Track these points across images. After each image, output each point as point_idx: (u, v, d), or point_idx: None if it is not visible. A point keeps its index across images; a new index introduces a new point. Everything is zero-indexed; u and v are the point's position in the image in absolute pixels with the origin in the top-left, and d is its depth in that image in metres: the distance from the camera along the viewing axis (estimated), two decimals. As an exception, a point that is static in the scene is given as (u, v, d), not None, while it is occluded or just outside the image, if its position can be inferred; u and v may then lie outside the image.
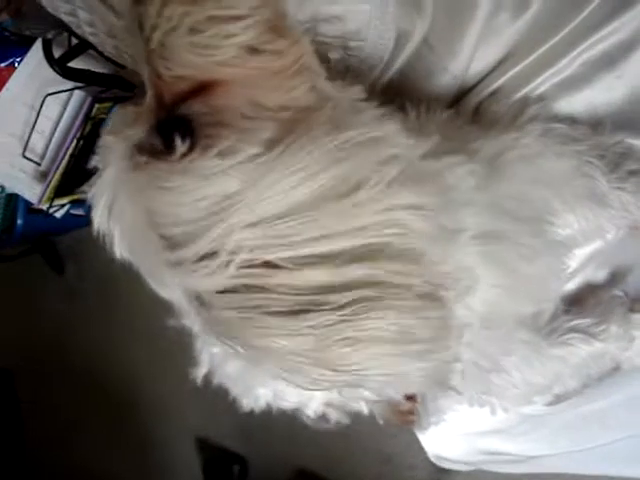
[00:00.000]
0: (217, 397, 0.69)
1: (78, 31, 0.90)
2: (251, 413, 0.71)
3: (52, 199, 1.94)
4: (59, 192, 1.95)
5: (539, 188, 0.76)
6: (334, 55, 0.76)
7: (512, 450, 1.07)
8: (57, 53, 1.48)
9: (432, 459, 1.17)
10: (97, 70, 1.75)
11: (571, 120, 0.85)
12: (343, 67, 0.78)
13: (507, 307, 0.70)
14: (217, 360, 0.67)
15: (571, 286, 0.91)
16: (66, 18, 0.89)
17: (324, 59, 0.74)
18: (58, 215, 2.09)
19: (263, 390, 0.69)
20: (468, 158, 0.66)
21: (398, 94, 0.79)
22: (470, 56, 0.84)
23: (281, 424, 2.17)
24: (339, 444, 2.05)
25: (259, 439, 2.24)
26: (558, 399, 0.96)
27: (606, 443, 1.05)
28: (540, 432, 1.03)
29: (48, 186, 1.91)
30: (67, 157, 1.88)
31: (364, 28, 0.75)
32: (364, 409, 0.99)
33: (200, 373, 0.69)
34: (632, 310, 0.92)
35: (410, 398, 1.06)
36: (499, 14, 0.83)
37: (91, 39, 0.91)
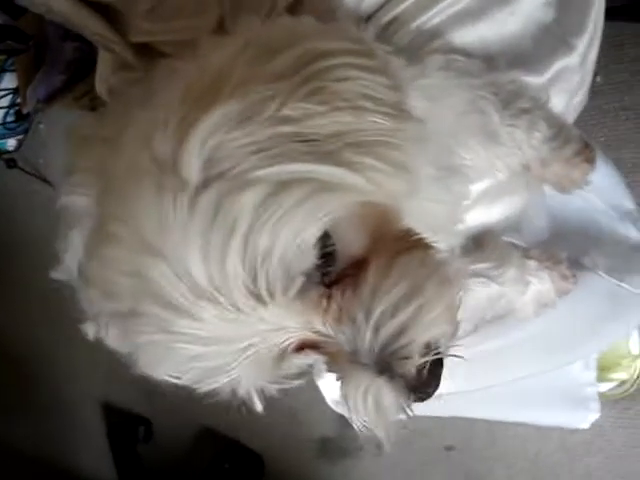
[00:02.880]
0: (118, 361, 0.65)
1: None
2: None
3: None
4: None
5: (440, 119, 0.76)
6: None
7: (408, 389, 1.08)
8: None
9: (330, 405, 1.17)
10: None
11: (466, 54, 0.84)
12: None
13: None
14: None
15: (469, 222, 0.91)
16: None
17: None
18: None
19: None
20: None
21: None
22: None
23: (185, 386, 2.19)
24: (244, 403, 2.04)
25: (162, 400, 2.21)
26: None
27: (498, 384, 1.08)
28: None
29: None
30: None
31: None
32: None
33: (90, 330, 0.67)
34: (527, 256, 0.95)
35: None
36: None
37: None
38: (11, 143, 2.15)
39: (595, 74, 1.49)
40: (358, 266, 0.55)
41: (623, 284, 1.07)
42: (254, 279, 0.49)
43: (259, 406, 0.68)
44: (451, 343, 0.59)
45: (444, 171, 0.74)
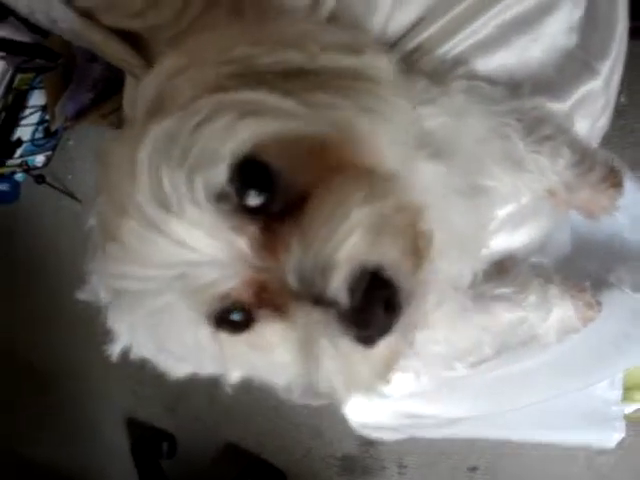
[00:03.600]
0: (143, 377, 0.66)
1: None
2: (179, 390, 0.69)
3: (-24, 172, 1.91)
4: (-18, 165, 1.90)
5: (466, 145, 0.77)
6: None
7: (432, 412, 1.09)
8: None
9: (355, 427, 1.17)
10: (19, 39, 1.71)
11: (489, 81, 0.85)
12: None
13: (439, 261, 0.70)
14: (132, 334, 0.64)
15: (493, 247, 0.91)
16: None
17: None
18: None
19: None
20: None
21: None
22: (387, 16, 0.84)
23: (209, 400, 2.21)
24: (268, 419, 2.07)
25: (187, 416, 2.25)
26: (478, 362, 0.98)
27: (521, 407, 1.08)
28: (459, 394, 1.05)
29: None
30: (-10, 129, 1.85)
31: None
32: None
33: (116, 349, 0.66)
34: (549, 281, 0.94)
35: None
36: None
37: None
38: (40, 159, 2.19)
39: (619, 94, 1.49)
40: (302, 198, 0.53)
41: (650, 301, 1.06)
42: (162, 190, 0.50)
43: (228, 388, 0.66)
44: (413, 278, 0.53)
45: (470, 189, 0.75)
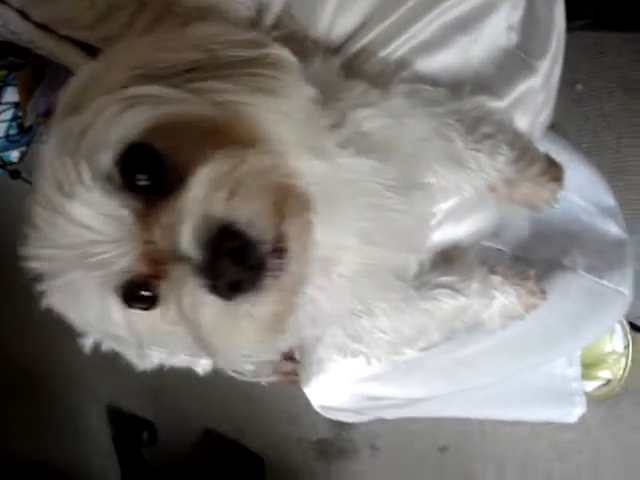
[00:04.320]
0: (122, 367, 0.69)
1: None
2: (158, 378, 0.72)
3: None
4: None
5: (404, 145, 0.80)
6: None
7: (391, 394, 1.11)
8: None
9: (318, 410, 1.20)
10: (-9, 39, 1.70)
11: (432, 82, 0.88)
12: None
13: (381, 253, 0.74)
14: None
15: (436, 239, 0.95)
16: None
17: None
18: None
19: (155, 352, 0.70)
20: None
21: None
22: (330, 22, 0.87)
23: (187, 387, 2.23)
24: (245, 406, 2.10)
25: (166, 404, 2.28)
26: (428, 347, 1.01)
27: (476, 386, 1.12)
28: (416, 375, 1.08)
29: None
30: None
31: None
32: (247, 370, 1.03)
33: (88, 342, 0.69)
34: (492, 272, 0.97)
35: (289, 358, 1.10)
36: None
37: None
38: (15, 155, 2.19)
39: (575, 82, 1.54)
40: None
41: (603, 281, 1.10)
42: (58, 177, 0.55)
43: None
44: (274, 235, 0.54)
45: (407, 185, 0.77)
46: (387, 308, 0.84)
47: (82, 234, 0.55)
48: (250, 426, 2.17)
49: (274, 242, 0.53)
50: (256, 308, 0.54)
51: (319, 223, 0.59)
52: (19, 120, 2.08)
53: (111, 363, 0.68)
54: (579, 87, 1.55)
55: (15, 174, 2.18)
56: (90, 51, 0.91)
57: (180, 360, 0.74)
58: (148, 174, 0.56)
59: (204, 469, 2.23)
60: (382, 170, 0.71)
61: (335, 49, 0.89)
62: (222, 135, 0.57)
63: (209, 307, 0.53)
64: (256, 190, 0.53)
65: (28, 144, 2.21)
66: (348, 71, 0.84)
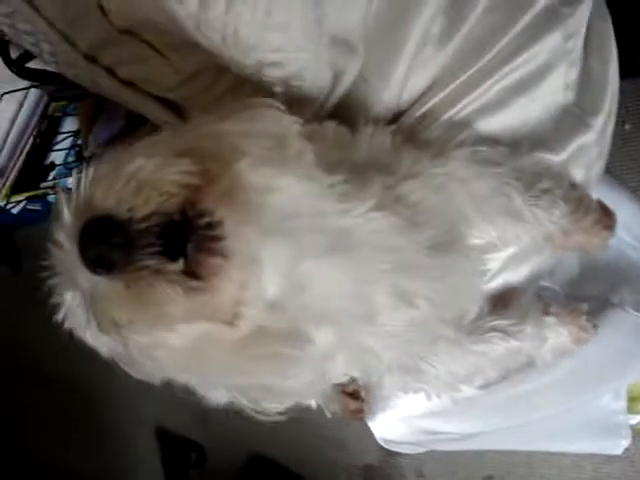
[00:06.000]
0: (172, 387, 0.69)
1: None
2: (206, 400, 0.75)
3: (9, 196, 1.98)
4: (15, 189, 2.00)
5: (459, 204, 0.85)
6: (277, 90, 0.85)
7: (450, 429, 1.17)
8: (14, 54, 1.50)
9: (380, 442, 1.25)
10: (53, 70, 1.77)
11: (492, 141, 0.93)
12: (287, 98, 0.86)
13: (431, 316, 0.77)
14: None
15: (494, 285, 1.00)
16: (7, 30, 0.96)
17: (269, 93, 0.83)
18: (15, 211, 2.12)
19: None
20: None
21: (341, 120, 0.86)
22: (401, 86, 0.93)
23: (237, 410, 2.24)
24: (295, 431, 2.11)
25: (216, 426, 2.30)
26: (486, 385, 1.05)
27: (532, 421, 1.16)
28: (474, 412, 1.13)
29: (5, 183, 1.95)
30: (24, 154, 1.91)
31: (302, 71, 0.84)
32: (313, 404, 1.08)
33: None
34: (545, 313, 1.01)
35: (356, 397, 1.15)
36: (424, 48, 0.91)
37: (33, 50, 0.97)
38: (71, 181, 2.26)
39: (624, 122, 1.57)
40: None
41: (650, 318, 1.14)
42: None
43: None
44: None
45: (445, 248, 0.79)
46: (440, 355, 0.89)
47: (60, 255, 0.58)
48: (298, 451, 2.20)
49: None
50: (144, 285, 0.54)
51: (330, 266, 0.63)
52: (77, 148, 2.14)
53: (161, 384, 0.68)
54: (627, 127, 1.58)
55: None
56: (169, 104, 0.98)
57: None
58: None
59: (252, 492, 2.26)
60: (412, 230, 0.74)
61: (400, 113, 0.95)
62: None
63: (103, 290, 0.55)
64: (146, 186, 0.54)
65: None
66: (408, 137, 0.89)
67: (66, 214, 0.57)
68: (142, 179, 0.55)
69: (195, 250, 0.54)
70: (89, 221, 0.54)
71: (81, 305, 0.59)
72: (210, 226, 0.54)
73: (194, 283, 0.54)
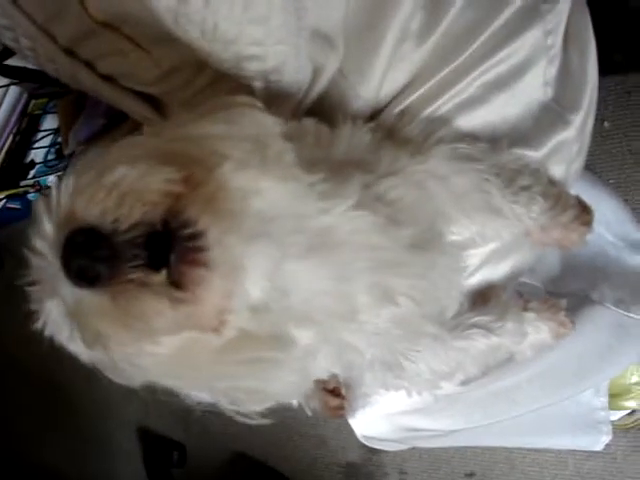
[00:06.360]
0: (153, 388, 0.68)
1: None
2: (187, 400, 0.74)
3: (-11, 194, 1.95)
4: (-4, 187, 1.95)
5: (439, 201, 0.86)
6: (257, 85, 0.84)
7: (432, 426, 1.16)
8: (-8, 51, 1.48)
9: (361, 440, 1.25)
10: (33, 67, 1.76)
11: (472, 137, 0.93)
12: (266, 94, 0.85)
13: (413, 313, 0.77)
14: None
15: (474, 282, 1.00)
16: None
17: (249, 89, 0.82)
18: (-6, 209, 2.10)
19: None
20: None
21: (319, 117, 0.86)
22: (380, 82, 0.92)
23: (218, 410, 2.25)
24: (275, 429, 2.14)
25: (197, 426, 2.31)
26: (467, 381, 1.05)
27: (514, 416, 1.16)
28: (455, 408, 1.13)
29: (-16, 181, 1.93)
30: (3, 153, 1.90)
31: (282, 65, 0.83)
32: (294, 402, 1.07)
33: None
34: (525, 309, 1.02)
35: (336, 394, 1.15)
36: (403, 43, 0.91)
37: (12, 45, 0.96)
38: (52, 179, 2.25)
39: (602, 120, 1.58)
40: None
41: (630, 314, 1.15)
42: None
43: None
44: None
45: (425, 245, 0.79)
46: (422, 351, 0.88)
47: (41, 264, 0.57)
48: (279, 449, 2.20)
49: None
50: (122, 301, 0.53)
51: (311, 265, 0.63)
52: (57, 146, 2.13)
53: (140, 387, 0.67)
54: (606, 124, 1.59)
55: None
56: (149, 99, 0.97)
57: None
58: None
59: (233, 490, 2.26)
60: (391, 228, 0.74)
61: (380, 109, 0.95)
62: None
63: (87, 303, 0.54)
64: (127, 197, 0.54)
65: (64, 169, 2.26)
66: (387, 134, 0.89)
67: (47, 224, 0.56)
68: (125, 189, 0.54)
69: (178, 261, 0.53)
70: (72, 232, 0.53)
71: (62, 315, 0.58)
72: (193, 237, 0.54)
73: (179, 294, 0.53)
